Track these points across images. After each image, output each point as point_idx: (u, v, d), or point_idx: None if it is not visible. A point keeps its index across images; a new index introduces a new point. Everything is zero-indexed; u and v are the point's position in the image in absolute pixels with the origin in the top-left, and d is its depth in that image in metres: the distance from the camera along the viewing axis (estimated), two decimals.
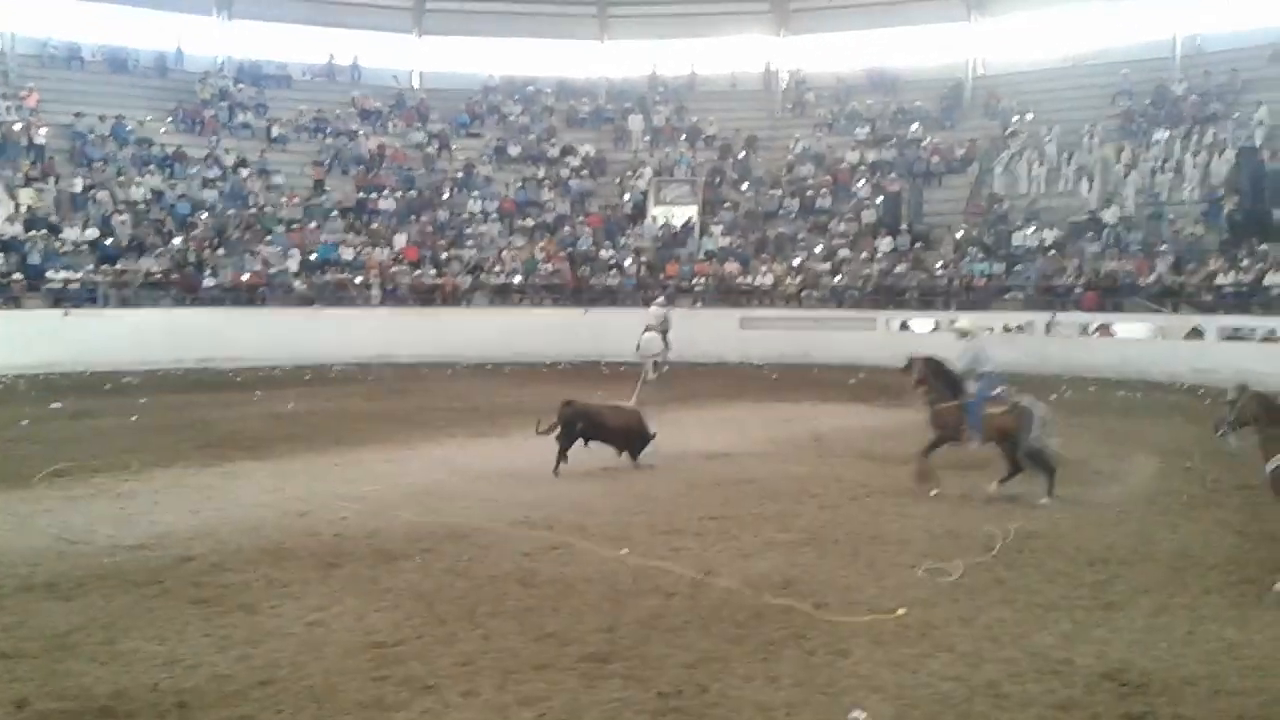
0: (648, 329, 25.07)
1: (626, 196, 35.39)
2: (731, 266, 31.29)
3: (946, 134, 35.23)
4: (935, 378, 12.16)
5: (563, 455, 13.06)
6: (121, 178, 30.49)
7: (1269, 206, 25.67)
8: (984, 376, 11.92)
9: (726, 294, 30.24)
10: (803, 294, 29.91)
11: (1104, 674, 6.63)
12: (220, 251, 28.95)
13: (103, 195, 29.42)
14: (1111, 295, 26.23)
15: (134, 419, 17.65)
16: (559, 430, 13.15)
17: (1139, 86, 33.11)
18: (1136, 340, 26.32)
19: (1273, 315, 23.36)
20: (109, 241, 27.97)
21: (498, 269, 31.08)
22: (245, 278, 28.41)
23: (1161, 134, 30.58)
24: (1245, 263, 24.34)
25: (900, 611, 7.77)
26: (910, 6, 37.56)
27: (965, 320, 13.50)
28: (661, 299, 27.60)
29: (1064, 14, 36.25)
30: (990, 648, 7.09)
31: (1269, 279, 23.57)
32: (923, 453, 12.09)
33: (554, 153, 36.99)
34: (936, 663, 6.83)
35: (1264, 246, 24.58)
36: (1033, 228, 29.31)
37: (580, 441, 13.27)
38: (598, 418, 13.60)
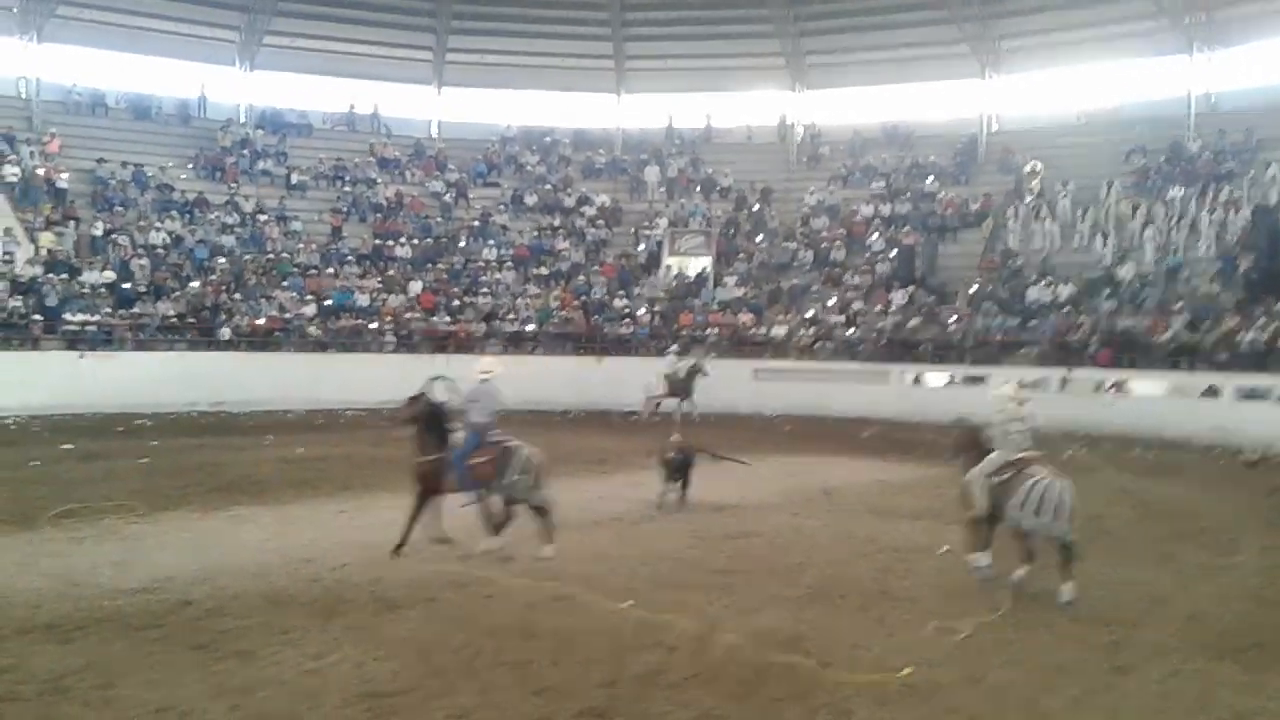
0: (665, 376, 26.52)
1: (641, 246, 35.57)
2: (745, 317, 31.31)
3: (961, 189, 35.33)
4: (426, 426, 11.37)
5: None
6: (142, 223, 30.82)
7: None
8: (478, 422, 11.22)
9: (740, 345, 30.21)
10: (816, 346, 29.85)
11: None
12: (237, 296, 29.15)
13: (122, 239, 29.69)
14: (1127, 352, 26.07)
15: (144, 461, 17.66)
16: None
17: (1153, 144, 33.19)
18: (1151, 398, 26.10)
19: None
20: (127, 285, 28.19)
21: (511, 316, 31.17)
22: (261, 322, 28.56)
23: (1177, 191, 30.57)
24: (1262, 321, 24.19)
25: (907, 671, 7.64)
26: (925, 63, 37.82)
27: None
28: (675, 348, 27.90)
29: (1078, 71, 36.44)
30: (996, 711, 6.95)
31: None
32: (410, 517, 11.15)
33: (570, 202, 37.26)
34: None
35: None
36: (1047, 283, 29.25)
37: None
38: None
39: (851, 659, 7.94)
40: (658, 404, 26.69)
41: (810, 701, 7.06)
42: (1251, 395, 23.51)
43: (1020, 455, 10.11)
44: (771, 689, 7.28)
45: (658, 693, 7.18)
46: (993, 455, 10.27)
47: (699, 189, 37.78)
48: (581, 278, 33.68)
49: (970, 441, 10.87)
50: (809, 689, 7.28)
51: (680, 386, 26.63)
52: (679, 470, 14.31)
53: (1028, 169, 33.98)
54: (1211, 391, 24.08)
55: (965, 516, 10.55)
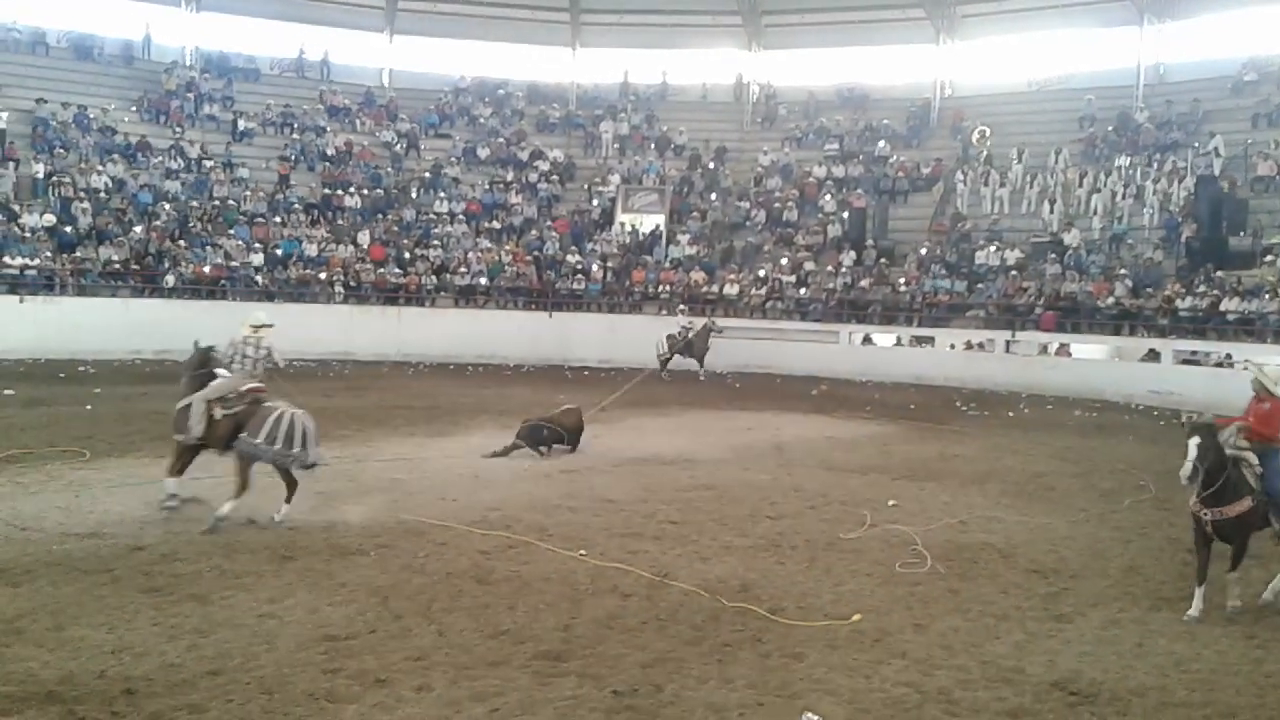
0: (667, 336, 26.75)
1: (595, 202, 35.39)
2: (697, 276, 31.37)
3: (913, 153, 35.57)
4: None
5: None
6: (83, 165, 30.05)
7: (1226, 234, 26.16)
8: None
9: (692, 302, 30.33)
10: (767, 305, 30.04)
11: (1054, 683, 6.72)
12: (182, 243, 28.61)
13: (64, 182, 28.95)
14: (1071, 316, 26.59)
15: (89, 408, 17.41)
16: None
17: (1103, 113, 33.68)
18: (1094, 361, 26.72)
19: (1227, 341, 23.79)
20: (68, 229, 27.55)
21: (463, 270, 30.95)
22: (207, 270, 28.08)
23: (1123, 160, 31.07)
24: (1202, 288, 24.76)
25: (855, 617, 7.84)
26: (881, 26, 37.87)
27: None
28: (684, 308, 28.40)
29: (1031, 40, 36.73)
30: (943, 655, 7.16)
31: (1224, 305, 23.98)
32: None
33: (523, 156, 36.93)
34: (889, 669, 6.89)
35: (1220, 273, 25.02)
36: (995, 247, 29.66)
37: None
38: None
39: (801, 606, 8.12)
40: (665, 363, 26.62)
41: (762, 646, 7.22)
42: (1190, 360, 24.13)
43: (250, 386, 10.30)
44: (724, 634, 7.42)
45: (613, 636, 7.30)
46: (218, 382, 10.31)
47: (653, 146, 37.60)
48: (534, 233, 33.47)
49: (200, 362, 10.77)
50: (760, 634, 7.44)
51: (692, 347, 26.78)
52: (527, 438, 14.49)
53: (976, 135, 34.31)
54: (1152, 355, 24.67)
55: (175, 440, 10.43)
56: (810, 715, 6.06)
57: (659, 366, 26.23)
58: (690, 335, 26.87)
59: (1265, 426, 8.33)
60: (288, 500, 10.19)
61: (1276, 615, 8.28)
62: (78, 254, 27.06)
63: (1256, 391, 8.54)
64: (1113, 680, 6.79)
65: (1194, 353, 24.14)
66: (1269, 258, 24.98)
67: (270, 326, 10.89)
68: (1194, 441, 7.96)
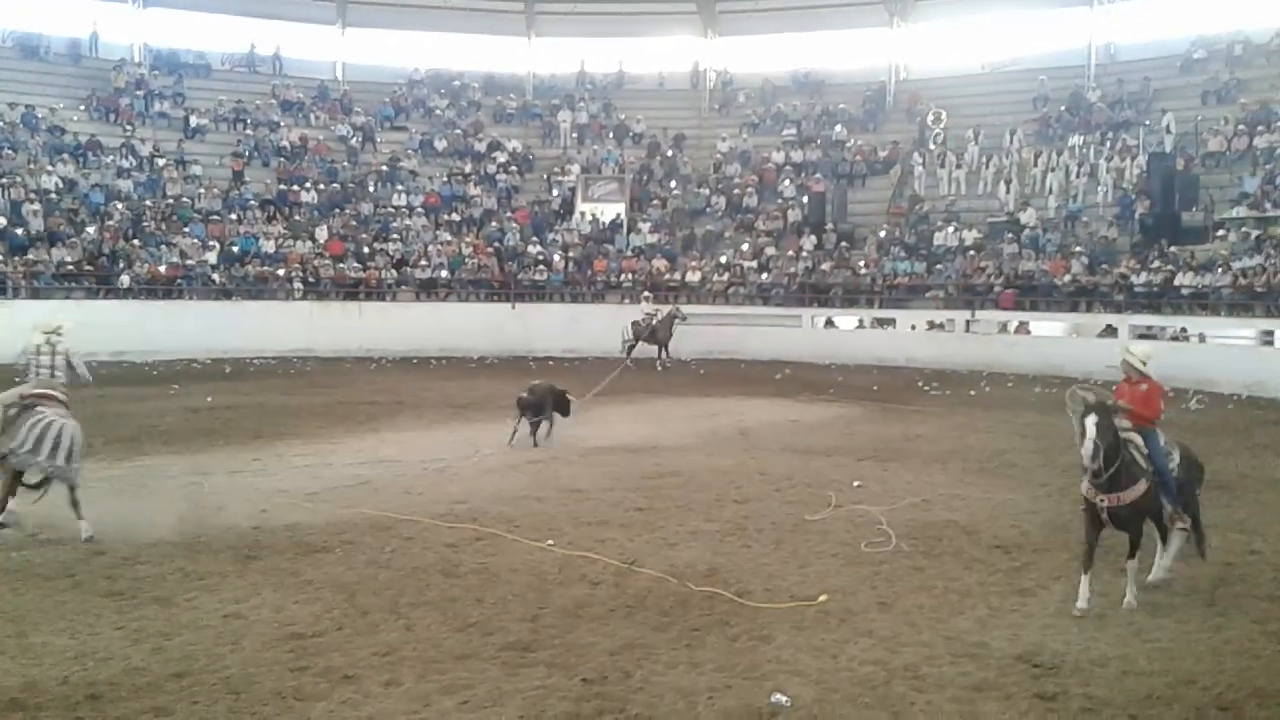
0: (632, 322, 26.85)
1: (554, 192, 35.26)
2: (659, 263, 31.38)
3: (870, 136, 35.74)
4: None
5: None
6: (33, 166, 29.52)
7: (1178, 210, 26.53)
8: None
9: (655, 290, 30.33)
10: (729, 291, 30.12)
11: (1018, 656, 6.81)
12: (136, 243, 28.21)
13: (13, 183, 28.42)
14: (1029, 294, 26.87)
15: None
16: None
17: (1056, 93, 34.01)
18: (1052, 338, 27.03)
19: (1181, 315, 24.15)
20: (19, 231, 27.07)
21: (424, 263, 30.76)
22: (162, 270, 27.71)
23: (1077, 139, 31.41)
24: (1156, 264, 25.09)
25: (822, 598, 7.91)
26: (835, 11, 37.99)
27: None
28: (648, 295, 28.43)
29: (984, 21, 36.97)
30: (908, 632, 7.23)
31: (1178, 280, 24.32)
32: None
33: (481, 148, 36.71)
34: (856, 647, 6.96)
35: (1173, 249, 25.37)
36: (953, 228, 29.90)
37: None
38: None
39: (768, 589, 8.17)
40: (630, 349, 26.59)
41: (730, 629, 7.26)
42: (1146, 334, 24.44)
43: (36, 391, 9.60)
44: (692, 619, 7.46)
45: (582, 625, 7.31)
46: (12, 390, 9.73)
47: (611, 135, 37.52)
48: (494, 224, 33.32)
49: None
50: (728, 618, 7.48)
51: (655, 333, 26.75)
52: (528, 409, 14.75)
53: (931, 117, 34.54)
54: (1109, 331, 24.98)
55: None
56: (779, 696, 6.11)
57: (623, 353, 26.21)
58: (654, 322, 26.89)
59: (1144, 408, 8.08)
60: (78, 516, 9.36)
61: (1233, 585, 8.42)
62: (29, 256, 26.58)
63: (1127, 374, 8.35)
64: (1075, 652, 6.89)
65: (1150, 328, 24.44)
66: (1221, 232, 25.35)
67: (61, 330, 10.07)
68: (1091, 421, 7.50)
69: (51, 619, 7.28)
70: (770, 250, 31.29)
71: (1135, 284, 25.06)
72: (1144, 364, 8.27)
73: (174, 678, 6.31)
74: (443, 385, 22.21)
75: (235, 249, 29.48)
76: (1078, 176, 30.27)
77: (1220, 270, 23.62)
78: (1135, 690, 6.34)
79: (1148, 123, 30.73)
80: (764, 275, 30.32)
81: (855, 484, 12.02)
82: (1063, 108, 33.22)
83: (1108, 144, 30.55)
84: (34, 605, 7.55)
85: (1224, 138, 28.43)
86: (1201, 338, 23.72)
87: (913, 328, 28.41)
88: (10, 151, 29.63)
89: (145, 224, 29.21)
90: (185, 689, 6.16)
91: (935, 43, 38.25)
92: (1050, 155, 31.25)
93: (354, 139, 36.02)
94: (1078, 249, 27.01)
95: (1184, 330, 24.00)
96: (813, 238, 31.19)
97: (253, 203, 31.86)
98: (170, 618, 7.34)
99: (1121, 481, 7.67)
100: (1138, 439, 7.92)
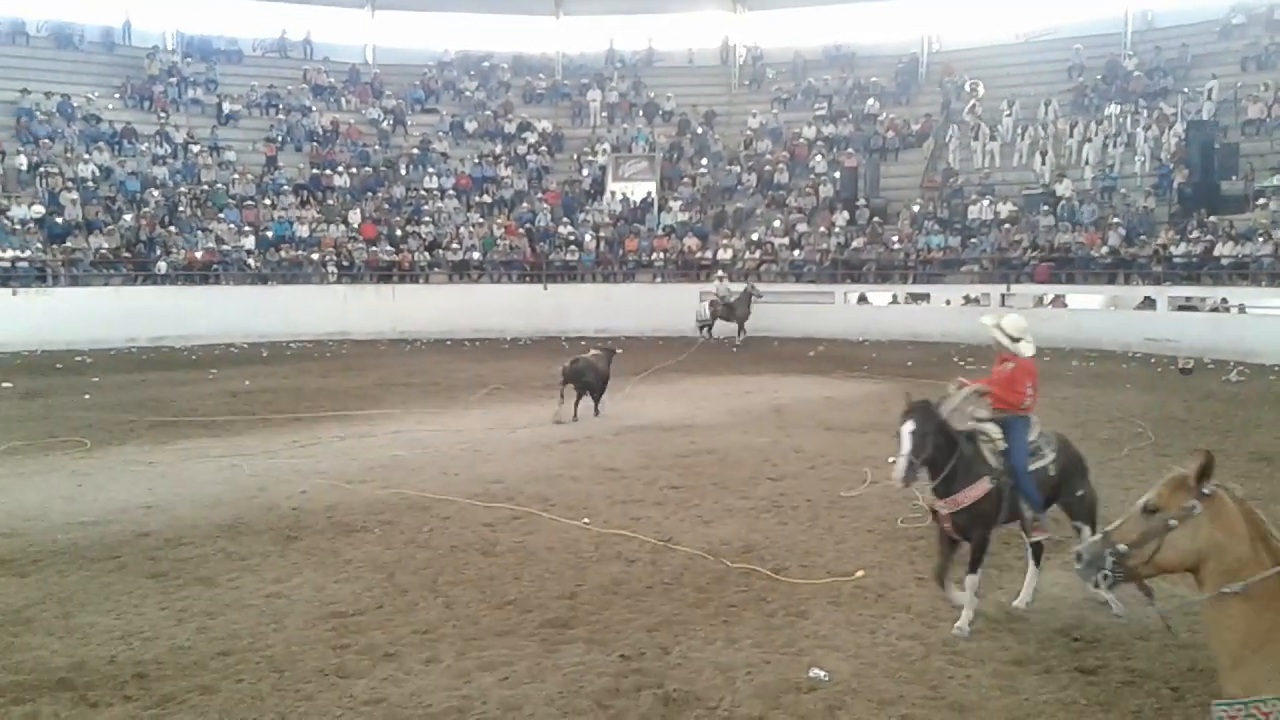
0: (709, 301, 27.27)
1: (585, 172, 35.26)
2: (690, 241, 31.32)
3: (902, 109, 35.41)
4: None
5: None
6: (70, 154, 29.90)
7: (1217, 179, 26.10)
8: None
9: (686, 269, 30.29)
10: (761, 268, 30.01)
11: (1058, 630, 6.77)
12: (172, 229, 28.52)
13: (51, 173, 28.80)
14: (1065, 266, 26.57)
15: (87, 397, 17.40)
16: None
17: (1091, 62, 33.51)
18: (1090, 311, 26.72)
19: (1221, 285, 23.79)
20: (58, 219, 27.45)
21: (455, 245, 30.88)
22: (199, 255, 28.02)
23: (1113, 109, 30.95)
24: (1195, 234, 24.73)
25: (859, 574, 7.89)
26: None
27: None
28: (721, 273, 28.54)
29: None
30: (946, 607, 7.17)
31: (1217, 250, 23.96)
32: None
33: (511, 129, 36.74)
34: (894, 622, 6.94)
35: (1212, 218, 24.98)
36: (987, 201, 29.60)
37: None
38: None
39: (804, 565, 8.16)
40: (706, 328, 27.10)
41: (767, 605, 7.26)
42: (1186, 306, 24.15)
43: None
44: (729, 595, 7.47)
45: (619, 602, 7.34)
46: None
47: (641, 113, 37.43)
48: (525, 205, 33.39)
49: None
50: (765, 594, 7.48)
51: (734, 311, 26.95)
52: (574, 378, 14.93)
53: (966, 88, 34.15)
54: (1148, 303, 24.67)
55: None
56: (817, 671, 6.11)
57: (700, 330, 26.95)
58: (731, 299, 26.99)
59: (1008, 391, 6.97)
60: None
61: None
62: (68, 244, 26.99)
63: (999, 351, 7.28)
64: (1116, 625, 6.84)
65: (1189, 299, 24.16)
66: (1261, 201, 24.93)
67: None
68: (907, 429, 6.46)
69: (98, 600, 7.40)
70: (802, 227, 31.14)
71: (1174, 255, 24.72)
72: (1014, 339, 7.12)
73: (218, 656, 6.40)
74: (476, 367, 22.32)
75: (270, 234, 29.76)
76: (1114, 146, 29.86)
77: (1261, 239, 23.25)
78: (1176, 663, 6.28)
79: (1185, 90, 30.22)
80: (796, 252, 30.20)
81: (890, 460, 11.90)
82: (1099, 77, 32.77)
83: (1144, 113, 30.09)
84: (80, 586, 7.68)
85: (1264, 104, 27.90)
86: (1242, 308, 23.35)
87: (947, 302, 28.18)
88: (47, 140, 30.04)
89: (181, 210, 29.55)
90: (230, 667, 6.24)
91: (968, 13, 37.79)
92: (1086, 125, 30.83)
93: (385, 122, 36.18)
94: (1115, 220, 26.68)
95: (1224, 301, 23.64)
96: (845, 213, 31.00)
97: (286, 187, 32.14)
98: (214, 598, 7.45)
99: (957, 482, 6.67)
100: (993, 430, 6.90)
